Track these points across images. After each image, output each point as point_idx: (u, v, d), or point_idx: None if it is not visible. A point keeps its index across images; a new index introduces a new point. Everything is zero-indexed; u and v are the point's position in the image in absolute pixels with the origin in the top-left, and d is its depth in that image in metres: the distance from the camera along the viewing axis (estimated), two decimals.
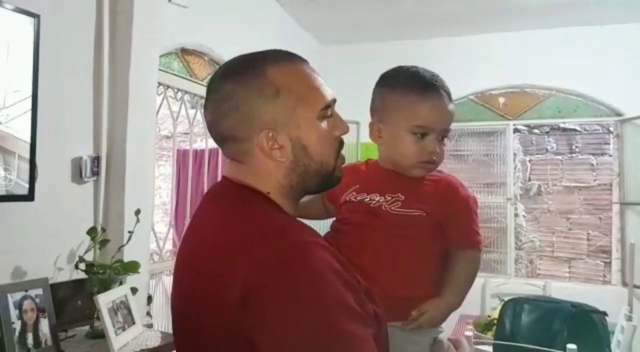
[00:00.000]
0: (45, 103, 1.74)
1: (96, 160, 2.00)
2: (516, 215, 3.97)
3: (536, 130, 4.01)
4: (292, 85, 0.75)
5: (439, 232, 0.99)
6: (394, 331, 0.88)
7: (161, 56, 2.50)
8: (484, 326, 3.25)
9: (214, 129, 0.78)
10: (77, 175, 1.94)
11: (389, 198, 0.97)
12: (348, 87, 3.82)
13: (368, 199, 0.99)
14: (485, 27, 3.78)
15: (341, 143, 0.82)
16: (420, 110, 0.96)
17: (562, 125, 3.93)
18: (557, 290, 3.51)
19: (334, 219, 1.07)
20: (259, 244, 0.65)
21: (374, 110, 1.03)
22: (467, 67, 3.87)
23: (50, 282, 1.75)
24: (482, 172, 4.04)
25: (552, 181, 3.97)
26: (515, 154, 3.99)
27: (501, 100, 3.96)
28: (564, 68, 3.68)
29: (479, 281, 3.74)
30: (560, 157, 3.97)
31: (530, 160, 4.03)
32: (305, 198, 0.84)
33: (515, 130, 4.00)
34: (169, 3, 2.35)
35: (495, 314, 2.79)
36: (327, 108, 0.78)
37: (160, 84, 2.54)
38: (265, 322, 0.60)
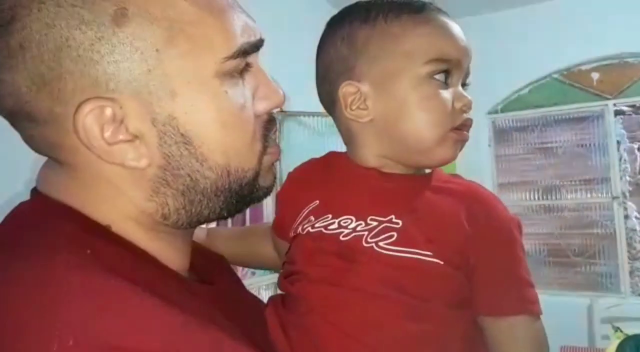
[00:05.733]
0: None
1: None
2: (626, 217, 3.37)
3: None
4: (159, 5, 0.40)
5: (463, 292, 0.56)
6: None
7: None
8: None
9: None
10: None
11: (374, 224, 0.56)
12: None
13: (335, 226, 0.58)
14: None
15: (270, 124, 0.49)
16: (431, 34, 0.58)
17: None
18: None
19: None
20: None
21: (338, 67, 0.61)
22: (547, 40, 3.32)
23: None
24: (576, 166, 3.49)
25: None
26: (619, 142, 3.42)
27: (595, 76, 3.39)
28: None
29: (583, 301, 3.22)
30: None
31: (639, 148, 3.43)
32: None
33: (617, 112, 3.41)
34: None
35: (609, 351, 2.20)
36: (241, 56, 0.44)
37: None
38: None
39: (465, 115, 0.59)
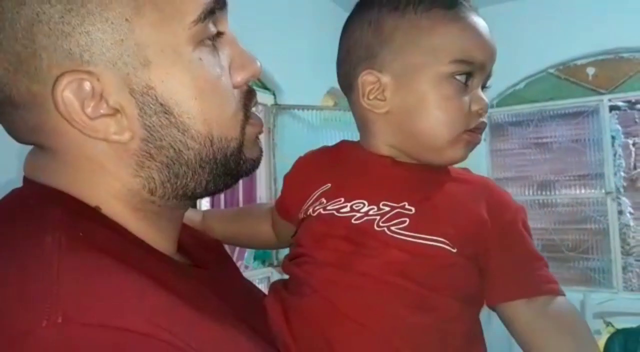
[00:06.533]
0: None
1: None
2: (620, 212, 3.31)
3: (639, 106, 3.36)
4: None
5: (472, 287, 0.55)
6: None
7: None
8: None
9: None
10: None
11: (386, 209, 0.55)
12: None
13: (347, 210, 0.56)
14: None
15: (249, 95, 0.49)
16: (459, 33, 0.57)
17: None
18: None
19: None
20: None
21: (361, 53, 0.60)
22: (543, 34, 3.28)
23: None
24: (571, 162, 3.42)
25: None
26: (613, 137, 3.35)
27: (590, 71, 3.32)
28: None
29: (575, 296, 3.18)
30: None
31: (634, 144, 3.35)
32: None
33: (612, 108, 3.35)
34: None
35: (599, 345, 2.20)
36: (211, 15, 0.44)
37: None
38: None
39: (480, 119, 0.58)
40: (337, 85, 0.65)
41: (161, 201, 0.46)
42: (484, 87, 0.59)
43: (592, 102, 3.35)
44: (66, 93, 0.39)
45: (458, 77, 0.56)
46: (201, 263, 0.53)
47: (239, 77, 0.47)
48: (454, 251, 0.53)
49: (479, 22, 0.58)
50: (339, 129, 2.72)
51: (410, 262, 0.52)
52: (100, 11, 0.39)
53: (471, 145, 0.59)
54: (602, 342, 2.12)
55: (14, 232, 0.40)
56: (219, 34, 0.46)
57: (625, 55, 3.22)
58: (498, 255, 0.55)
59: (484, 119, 0.58)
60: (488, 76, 0.59)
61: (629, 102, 3.33)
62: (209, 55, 0.44)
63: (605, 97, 3.31)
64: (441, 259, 0.53)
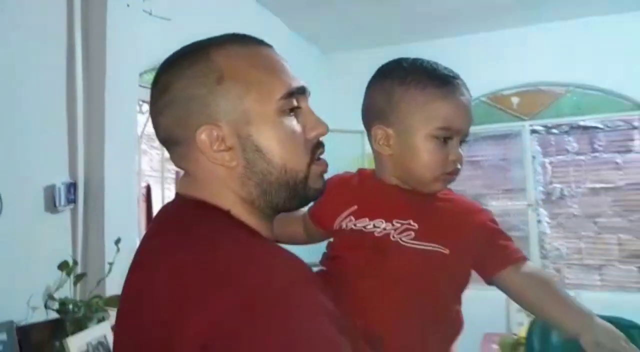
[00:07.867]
0: (10, 127, 1.62)
1: (72, 187, 1.85)
2: (539, 221, 3.72)
3: (554, 130, 3.76)
4: (239, 69, 0.63)
5: (463, 275, 0.80)
6: None
7: (146, 72, 2.35)
8: (510, 347, 3.00)
9: (156, 132, 0.68)
10: (51, 204, 1.78)
11: (398, 225, 0.78)
12: (354, 94, 3.56)
13: (371, 227, 0.79)
14: (492, 23, 3.57)
15: (317, 146, 0.68)
16: (444, 108, 0.79)
17: (581, 123, 3.67)
18: (589, 301, 2.91)
19: (326, 251, 0.87)
20: (220, 287, 0.52)
21: (376, 112, 0.83)
22: (475, 67, 3.52)
23: (23, 323, 1.61)
24: (499, 177, 3.82)
25: (576, 183, 3.69)
26: (534, 157, 3.76)
27: (514, 100, 3.73)
28: (581, 62, 3.44)
29: (502, 295, 3.58)
30: (582, 157, 3.69)
31: (550, 162, 3.76)
32: (281, 215, 0.71)
33: (533, 131, 3.77)
34: (150, 16, 2.20)
35: (522, 333, 2.56)
36: (291, 97, 0.64)
37: (145, 102, 2.39)
38: None
39: (456, 166, 0.80)
40: None
41: (260, 209, 0.65)
42: (463, 141, 0.82)
43: (516, 127, 3.74)
44: (203, 136, 0.61)
45: (440, 137, 0.79)
46: None
47: (312, 134, 0.67)
48: (447, 252, 0.76)
49: (462, 97, 0.80)
50: None
51: (417, 262, 0.76)
52: (226, 93, 0.62)
53: (447, 182, 0.82)
54: (523, 329, 2.48)
55: (200, 232, 0.59)
56: (299, 107, 0.66)
57: (543, 88, 3.65)
58: (485, 244, 0.79)
59: (459, 166, 0.81)
60: (466, 134, 0.82)
61: (546, 127, 3.75)
62: (290, 118, 0.65)
63: (527, 123, 3.70)
64: (438, 259, 0.76)
